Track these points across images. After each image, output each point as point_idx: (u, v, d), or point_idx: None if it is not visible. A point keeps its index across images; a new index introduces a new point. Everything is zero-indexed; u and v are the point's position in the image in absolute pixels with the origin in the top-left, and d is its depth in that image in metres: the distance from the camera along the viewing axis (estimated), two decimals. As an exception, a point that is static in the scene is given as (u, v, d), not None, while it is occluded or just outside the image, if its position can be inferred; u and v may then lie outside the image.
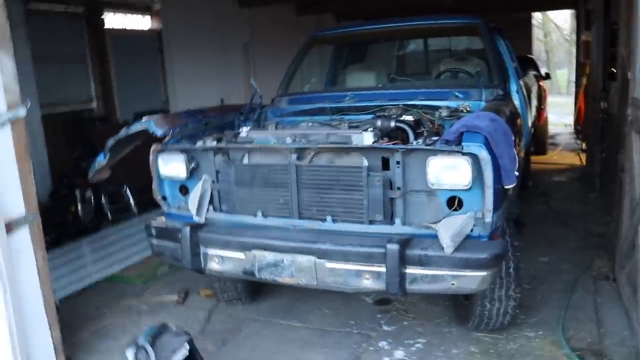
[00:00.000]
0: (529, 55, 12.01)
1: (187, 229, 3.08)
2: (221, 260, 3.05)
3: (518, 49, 13.00)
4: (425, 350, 3.30)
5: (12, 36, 6.16)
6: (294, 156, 2.90)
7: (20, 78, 6.29)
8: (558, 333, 3.38)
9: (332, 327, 3.64)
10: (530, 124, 5.63)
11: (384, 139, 2.93)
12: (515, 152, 2.73)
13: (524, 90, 5.17)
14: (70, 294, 4.39)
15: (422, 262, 2.55)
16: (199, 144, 3.29)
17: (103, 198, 6.30)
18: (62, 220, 5.85)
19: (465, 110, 3.56)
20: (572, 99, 13.97)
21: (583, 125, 9.77)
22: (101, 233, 5.92)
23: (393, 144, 2.80)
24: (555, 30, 32.09)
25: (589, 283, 4.15)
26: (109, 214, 6.34)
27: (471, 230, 2.61)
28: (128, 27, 8.17)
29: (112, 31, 7.74)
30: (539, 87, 8.85)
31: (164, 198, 3.46)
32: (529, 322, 3.56)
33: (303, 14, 12.24)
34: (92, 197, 6.21)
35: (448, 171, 2.56)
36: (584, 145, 9.19)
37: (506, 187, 2.61)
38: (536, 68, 11.04)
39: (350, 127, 3.11)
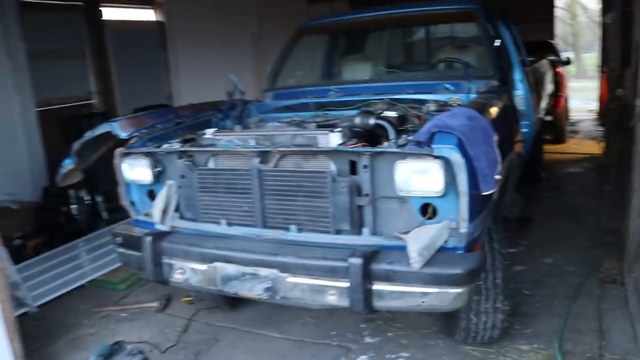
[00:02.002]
0: (548, 40, 11.54)
1: (149, 238, 2.88)
2: (184, 271, 2.84)
3: (539, 33, 12.61)
4: (408, 365, 3.07)
5: (5, 32, 6.09)
6: (257, 160, 2.67)
7: (15, 74, 6.22)
8: (554, 346, 3.11)
9: (312, 338, 3.42)
10: (538, 114, 5.31)
11: (353, 140, 2.67)
12: (497, 154, 2.46)
13: (530, 78, 4.85)
14: (56, 298, 4.28)
15: (388, 277, 2.30)
16: (165, 146, 3.09)
17: (98, 197, 6.15)
18: (54, 221, 5.72)
19: (454, 104, 3.30)
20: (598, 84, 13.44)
21: (604, 112, 9.34)
22: (95, 234, 5.76)
23: (362, 146, 2.55)
24: (583, 13, 31.12)
25: (595, 287, 3.85)
26: (104, 213, 6.19)
27: (445, 242, 2.36)
28: (128, 20, 7.99)
29: (112, 24, 7.57)
30: (556, 73, 8.46)
31: (132, 203, 3.27)
32: (524, 332, 3.29)
33: (315, 1, 11.90)
34: (87, 197, 6.07)
35: (418, 176, 2.31)
36: (604, 133, 8.79)
37: (484, 193, 2.34)
38: (555, 53, 10.61)
39: (320, 127, 2.87)
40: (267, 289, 2.57)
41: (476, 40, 4.11)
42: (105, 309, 4.08)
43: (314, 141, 2.66)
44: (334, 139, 2.61)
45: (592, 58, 29.97)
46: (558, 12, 28.51)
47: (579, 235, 4.90)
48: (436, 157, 2.26)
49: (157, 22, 8.17)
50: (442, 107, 3.24)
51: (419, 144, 2.34)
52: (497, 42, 3.97)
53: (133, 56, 7.86)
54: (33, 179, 6.26)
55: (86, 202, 6.05)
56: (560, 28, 32.14)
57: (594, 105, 12.85)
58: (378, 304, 2.37)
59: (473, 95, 3.27)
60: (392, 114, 3.11)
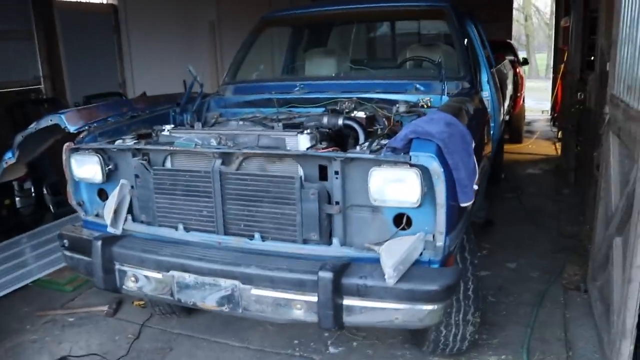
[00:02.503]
0: (508, 40, 11.64)
1: (99, 242, 2.65)
2: (138, 279, 2.63)
3: (498, 33, 12.75)
4: (374, 378, 2.94)
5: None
6: (219, 161, 2.48)
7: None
8: (522, 357, 3.04)
9: (273, 347, 3.25)
10: (502, 115, 5.28)
11: (323, 143, 2.51)
12: (475, 162, 2.34)
13: (496, 79, 4.80)
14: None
15: (360, 292, 2.16)
16: (118, 142, 2.85)
17: (45, 189, 5.80)
18: (-4, 214, 5.36)
19: (425, 105, 3.18)
20: (550, 84, 13.68)
21: (559, 113, 9.47)
22: (40, 228, 5.43)
23: (331, 150, 2.39)
24: (535, 14, 31.83)
25: (559, 293, 3.83)
26: (51, 206, 5.84)
27: (420, 255, 2.22)
28: (80, 2, 7.59)
29: (62, 5, 7.16)
30: (516, 73, 8.50)
31: (81, 203, 3.03)
32: (491, 343, 3.21)
33: (276, -9, 11.63)
34: (32, 188, 5.71)
35: (393, 185, 2.16)
36: (559, 134, 8.90)
37: (462, 205, 2.22)
38: (514, 53, 10.71)
39: (287, 127, 2.69)
40: (228, 301, 2.39)
41: (446, 39, 4.01)
42: (51, 313, 3.80)
43: (282, 143, 2.48)
44: (303, 142, 2.44)
45: (543, 58, 30.81)
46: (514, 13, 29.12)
47: (540, 239, 4.89)
48: (413, 166, 2.12)
49: (110, 4, 7.79)
50: (412, 108, 3.11)
51: (395, 150, 2.19)
52: (465, 42, 3.88)
53: (84, 40, 7.47)
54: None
55: (31, 194, 5.70)
56: (515, 29, 32.86)
57: (547, 105, 13.08)
58: (348, 319, 2.22)
59: (446, 98, 3.15)
60: (361, 114, 2.97)
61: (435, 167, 2.09)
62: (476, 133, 2.74)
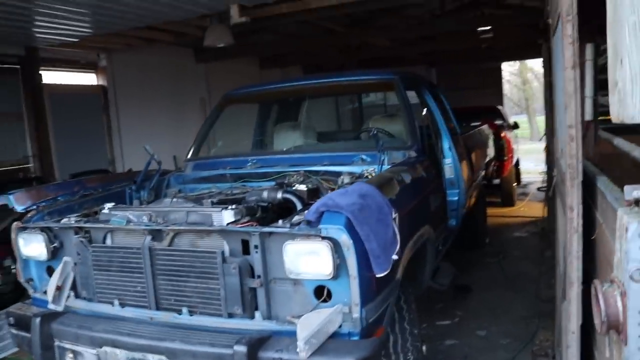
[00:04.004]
0: (496, 106, 11.83)
1: (38, 319, 2.68)
2: (75, 356, 2.64)
3: (488, 98, 12.94)
4: None
5: None
6: (149, 238, 2.54)
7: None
8: None
9: None
10: (473, 181, 5.31)
11: (246, 217, 2.56)
12: (396, 232, 2.37)
13: (461, 145, 4.86)
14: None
15: (276, 367, 2.15)
16: (64, 221, 2.94)
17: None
18: (-26, 292, 5.39)
19: (370, 176, 3.24)
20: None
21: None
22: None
23: (254, 225, 2.44)
24: (535, 78, 32.36)
25: (527, 362, 3.75)
26: (32, 283, 5.87)
27: (340, 327, 2.22)
28: (69, 83, 7.89)
29: (51, 87, 7.45)
30: (500, 138, 8.60)
31: (30, 281, 3.08)
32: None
33: (267, 67, 11.98)
34: (12, 265, 5.76)
35: (307, 258, 2.19)
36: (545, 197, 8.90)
37: (377, 275, 2.24)
38: (502, 118, 10.88)
39: (223, 203, 2.76)
40: (157, 378, 2.39)
41: (396, 110, 4.12)
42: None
43: (208, 219, 2.54)
44: (226, 217, 2.50)
45: (543, 121, 31.09)
46: (510, 78, 29.73)
47: (517, 305, 4.81)
48: (324, 238, 2.16)
49: (99, 86, 8.09)
50: (357, 179, 3.18)
51: (310, 223, 2.24)
52: (424, 111, 3.99)
53: (73, 120, 7.70)
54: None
55: (11, 271, 5.75)
56: (515, 93, 33.39)
57: (544, 167, 13.11)
58: (268, 394, 2.20)
59: (387, 167, 3.22)
60: (302, 187, 3.03)
61: (344, 239, 2.13)
62: (408, 202, 2.79)
